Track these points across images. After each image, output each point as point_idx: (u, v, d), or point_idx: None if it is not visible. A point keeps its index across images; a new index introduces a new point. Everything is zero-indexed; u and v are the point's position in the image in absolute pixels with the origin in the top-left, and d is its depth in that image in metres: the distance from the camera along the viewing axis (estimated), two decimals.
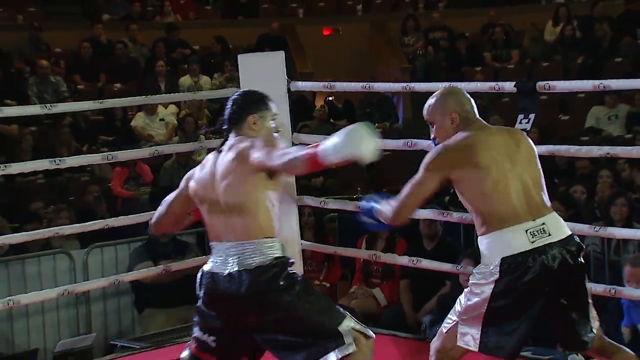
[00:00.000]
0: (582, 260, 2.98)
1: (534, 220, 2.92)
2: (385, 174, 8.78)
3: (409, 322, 5.32)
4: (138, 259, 5.56)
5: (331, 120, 9.62)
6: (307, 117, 9.26)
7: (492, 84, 4.28)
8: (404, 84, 4.91)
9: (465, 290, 3.04)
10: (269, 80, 4.63)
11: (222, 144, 3.02)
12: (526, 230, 2.91)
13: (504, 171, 2.94)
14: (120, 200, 7.59)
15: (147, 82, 9.41)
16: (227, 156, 2.93)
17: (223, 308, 2.90)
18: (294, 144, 4.70)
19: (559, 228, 2.96)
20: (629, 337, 4.00)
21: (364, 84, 4.75)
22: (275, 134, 3.01)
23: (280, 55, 4.74)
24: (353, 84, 5.01)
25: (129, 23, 10.86)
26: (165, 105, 8.87)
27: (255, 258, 2.84)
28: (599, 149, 4.02)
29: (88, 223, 4.56)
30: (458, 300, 3.05)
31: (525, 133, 3.26)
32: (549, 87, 3.92)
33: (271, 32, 10.91)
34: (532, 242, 2.90)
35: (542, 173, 3.06)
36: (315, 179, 8.18)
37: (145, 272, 4.96)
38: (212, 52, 10.68)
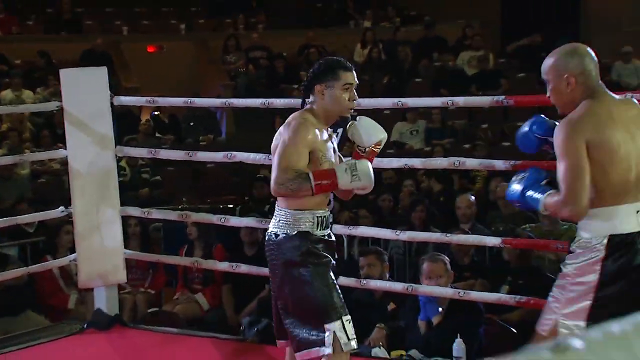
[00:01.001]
0: None
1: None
2: (209, 184, 8.77)
3: (231, 324, 5.32)
4: None
5: (157, 134, 9.48)
6: (134, 130, 9.09)
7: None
8: (224, 100, 4.93)
9: (560, 282, 2.71)
10: (92, 94, 4.52)
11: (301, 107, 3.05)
12: (637, 211, 2.63)
13: (625, 145, 2.64)
14: None
15: None
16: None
17: None
18: (117, 157, 4.61)
19: None
20: (424, 330, 4.16)
21: (186, 99, 4.73)
22: (347, 103, 2.99)
23: (103, 71, 4.62)
24: (175, 99, 4.98)
25: None
26: None
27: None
28: (398, 160, 4.20)
29: None
30: (551, 295, 2.74)
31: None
32: (356, 104, 4.04)
33: (95, 48, 10.62)
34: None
35: None
36: (142, 190, 8.04)
37: None
38: (36, 66, 10.28)
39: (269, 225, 3.03)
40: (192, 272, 5.58)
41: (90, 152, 4.47)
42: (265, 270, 4.33)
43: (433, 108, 9.33)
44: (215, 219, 4.48)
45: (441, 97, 5.83)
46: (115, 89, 4.76)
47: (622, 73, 10.57)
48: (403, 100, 4.00)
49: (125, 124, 8.45)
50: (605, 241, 2.60)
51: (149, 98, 4.98)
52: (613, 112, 2.67)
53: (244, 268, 4.37)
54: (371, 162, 3.04)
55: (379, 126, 3.12)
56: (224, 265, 4.56)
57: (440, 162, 4.26)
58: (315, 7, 13.46)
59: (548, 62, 2.81)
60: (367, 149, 3.09)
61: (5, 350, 4.35)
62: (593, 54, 2.78)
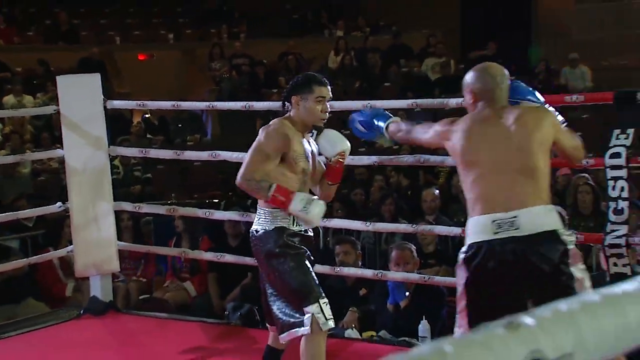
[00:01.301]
0: (555, 260, 2.49)
1: (506, 212, 2.48)
2: (196, 181, 8.72)
3: (216, 310, 5.29)
4: None
5: (147, 135, 9.43)
6: (126, 132, 9.03)
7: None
8: (209, 103, 4.90)
9: None
10: (87, 99, 4.48)
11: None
12: (492, 221, 2.50)
13: (489, 159, 2.54)
14: None
15: None
16: None
17: None
18: (111, 156, 4.57)
19: (535, 224, 2.48)
20: (393, 313, 4.16)
21: (174, 102, 4.70)
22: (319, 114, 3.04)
23: (96, 77, 4.58)
24: (164, 102, 4.94)
25: None
26: None
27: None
28: (368, 158, 4.20)
29: None
30: None
31: (544, 109, 2.75)
32: (329, 105, 4.03)
33: (91, 57, 10.53)
34: (495, 234, 2.49)
35: (544, 162, 2.55)
36: (134, 186, 7.98)
37: None
38: (36, 73, 10.18)
39: (253, 223, 3.06)
40: (180, 262, 5.55)
41: (85, 152, 4.43)
42: (247, 260, 4.32)
43: (399, 110, 9.33)
44: (200, 212, 4.45)
45: (405, 100, 5.83)
46: (109, 94, 4.72)
47: (570, 77, 10.65)
48: (372, 102, 3.99)
49: (119, 126, 8.39)
50: (466, 249, 2.57)
51: (139, 101, 4.94)
52: (489, 122, 2.60)
53: (228, 258, 4.35)
54: (340, 171, 3.16)
55: (343, 137, 3.16)
56: (209, 255, 4.53)
57: (407, 159, 4.26)
58: (292, 18, 13.44)
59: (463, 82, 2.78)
60: (332, 159, 3.13)
61: (8, 334, 4.30)
62: (500, 73, 2.70)
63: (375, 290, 4.36)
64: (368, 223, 4.20)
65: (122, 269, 5.00)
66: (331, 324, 2.92)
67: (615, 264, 3.26)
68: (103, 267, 4.53)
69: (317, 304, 2.87)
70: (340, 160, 3.14)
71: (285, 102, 3.08)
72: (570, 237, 2.57)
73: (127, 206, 4.68)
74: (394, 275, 4.02)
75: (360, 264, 4.61)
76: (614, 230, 3.26)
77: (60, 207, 4.54)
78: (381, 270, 4.03)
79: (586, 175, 6.08)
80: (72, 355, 3.96)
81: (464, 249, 2.59)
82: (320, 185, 3.21)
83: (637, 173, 6.67)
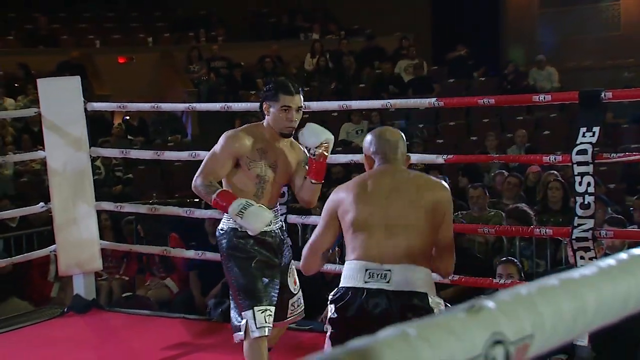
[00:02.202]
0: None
1: (381, 264, 2.42)
2: (176, 182, 8.69)
3: (198, 306, 5.29)
4: None
5: (128, 137, 9.37)
6: (107, 133, 8.98)
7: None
8: (188, 104, 4.90)
9: None
10: (67, 101, 4.46)
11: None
12: (366, 269, 2.42)
13: (372, 212, 2.46)
14: None
15: None
16: None
17: None
18: (92, 157, 4.56)
19: (407, 282, 2.42)
20: None
21: (153, 104, 4.68)
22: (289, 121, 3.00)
23: (76, 80, 4.56)
24: (143, 104, 4.93)
25: None
26: None
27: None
28: (344, 156, 4.22)
29: None
30: None
31: (437, 186, 2.56)
32: (306, 106, 4.05)
33: (71, 60, 10.44)
34: (366, 282, 2.41)
35: (430, 230, 2.45)
36: (115, 187, 7.94)
37: None
38: (16, 77, 10.08)
39: None
40: (155, 263, 5.56)
41: (66, 153, 4.41)
42: None
43: (374, 110, 9.39)
44: (182, 211, 4.45)
45: (380, 100, 5.87)
46: (89, 96, 4.69)
47: (537, 78, 10.76)
48: (347, 102, 4.03)
49: (99, 128, 8.34)
50: (335, 291, 2.50)
51: (119, 103, 4.93)
52: (376, 179, 2.51)
53: (208, 255, 4.35)
54: (323, 167, 3.05)
55: (324, 129, 3.09)
56: (190, 253, 4.53)
57: None
58: (268, 22, 13.43)
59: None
60: (316, 152, 3.01)
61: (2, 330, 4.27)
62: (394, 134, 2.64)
63: None
64: None
65: (104, 267, 4.98)
66: (262, 332, 2.85)
67: (582, 257, 3.31)
68: (86, 266, 4.51)
69: (251, 311, 2.86)
70: (325, 153, 3.03)
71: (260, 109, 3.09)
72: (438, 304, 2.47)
73: (109, 206, 4.67)
74: None
75: (338, 260, 4.63)
76: (580, 225, 3.31)
77: (42, 207, 4.51)
78: None
79: (555, 172, 6.15)
80: (56, 352, 3.94)
81: (332, 293, 2.51)
82: (302, 188, 3.12)
83: (603, 169, 6.79)
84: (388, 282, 2.40)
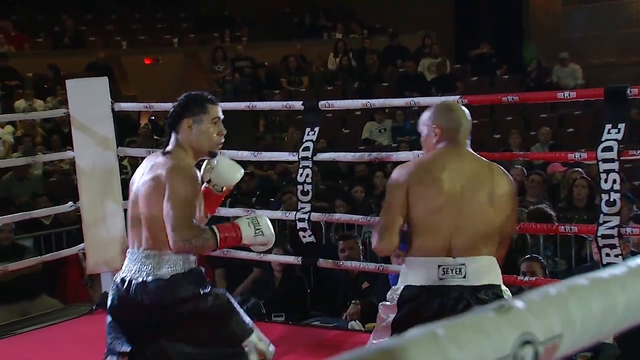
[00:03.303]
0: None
1: (454, 258, 2.33)
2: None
3: None
4: None
5: (154, 136, 9.43)
6: (133, 133, 9.04)
7: (285, 102, 4.37)
8: None
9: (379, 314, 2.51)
10: (95, 101, 4.49)
11: (166, 144, 2.50)
12: (439, 266, 2.33)
13: (448, 200, 2.34)
14: None
15: None
16: (149, 170, 2.43)
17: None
18: (119, 157, 4.58)
19: (481, 275, 2.34)
20: None
21: None
22: (214, 142, 2.51)
23: (104, 80, 4.59)
24: (169, 104, 4.93)
25: None
26: (2, 126, 8.43)
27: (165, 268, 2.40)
28: (369, 154, 4.21)
29: None
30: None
31: (507, 174, 2.50)
32: (329, 105, 4.05)
33: (98, 61, 10.54)
34: (441, 279, 2.32)
35: (500, 219, 2.37)
36: None
37: None
38: (45, 78, 10.19)
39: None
40: None
41: (94, 153, 4.44)
42: (253, 255, 4.34)
43: (398, 109, 9.35)
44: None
45: (403, 98, 5.84)
46: (116, 96, 4.72)
47: (561, 75, 10.65)
48: (371, 101, 4.01)
49: (126, 128, 8.40)
50: (401, 290, 2.37)
51: (146, 104, 4.95)
52: (452, 165, 2.39)
53: (233, 253, 4.36)
54: (220, 202, 2.71)
55: (238, 165, 2.71)
56: (216, 252, 4.54)
57: (405, 155, 4.27)
58: (292, 22, 13.44)
59: (422, 115, 2.56)
60: (223, 189, 2.68)
61: (23, 330, 4.32)
62: (466, 112, 2.51)
63: (377, 283, 4.37)
64: (369, 217, 4.21)
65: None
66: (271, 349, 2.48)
67: (607, 255, 3.27)
68: (113, 264, 4.53)
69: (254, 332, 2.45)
70: (229, 190, 2.72)
71: (173, 130, 2.50)
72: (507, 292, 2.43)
73: None
74: (395, 267, 4.03)
75: (362, 257, 4.62)
76: (606, 222, 3.26)
77: (71, 206, 4.55)
78: (382, 264, 4.04)
79: (580, 169, 6.08)
80: (84, 348, 3.97)
81: (397, 292, 2.40)
82: None
83: (628, 166, 6.70)
84: (464, 277, 2.31)
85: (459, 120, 2.47)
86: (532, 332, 0.61)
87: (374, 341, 2.49)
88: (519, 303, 0.63)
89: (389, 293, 2.48)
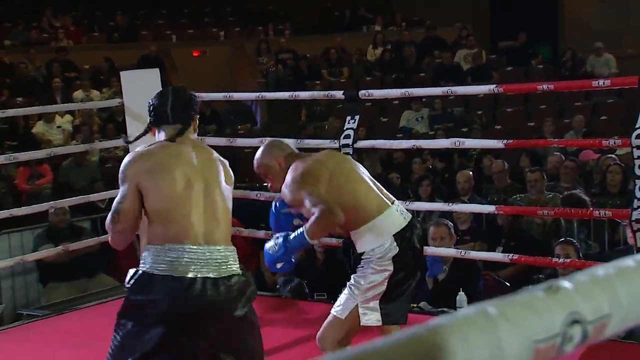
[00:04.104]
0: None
1: (393, 203, 2.67)
2: (246, 168, 8.78)
3: (268, 283, 5.33)
4: (41, 242, 5.32)
5: (202, 125, 9.50)
6: None
7: (326, 92, 4.36)
8: (258, 93, 4.92)
9: (359, 276, 2.60)
10: (147, 92, 4.49)
11: (179, 133, 2.33)
12: (397, 209, 2.65)
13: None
14: (24, 194, 7.25)
15: (45, 96, 9.02)
16: (206, 156, 2.32)
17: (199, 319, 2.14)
18: None
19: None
20: (431, 286, 4.14)
21: (226, 94, 4.73)
22: None
23: (156, 72, 4.63)
24: (216, 94, 4.98)
25: (28, 47, 10.35)
26: (62, 115, 8.59)
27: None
28: (407, 142, 4.18)
29: None
30: (349, 287, 2.63)
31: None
32: (369, 94, 4.02)
33: (150, 54, 10.64)
34: (404, 219, 2.64)
35: None
36: None
37: (47, 252, 4.75)
38: (101, 70, 10.34)
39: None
40: None
41: (147, 141, 4.48)
42: None
43: (435, 97, 9.26)
44: (252, 194, 4.48)
45: (440, 87, 5.78)
46: (166, 87, 4.76)
47: (595, 65, 10.42)
48: (410, 90, 3.98)
49: None
50: (392, 240, 2.57)
51: (195, 94, 4.98)
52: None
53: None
54: None
55: None
56: (261, 234, 4.56)
57: (442, 142, 4.23)
58: (332, 16, 13.40)
59: (257, 159, 2.77)
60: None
61: (83, 305, 4.41)
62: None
63: None
64: (407, 202, 4.18)
65: None
66: None
67: None
68: None
69: None
70: None
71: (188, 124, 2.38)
72: None
73: None
74: (433, 250, 4.00)
75: None
76: None
77: None
78: None
79: (613, 155, 5.96)
80: None
81: (387, 245, 2.59)
82: None
83: None
84: (407, 213, 2.72)
85: (287, 145, 2.83)
86: (581, 312, 0.59)
87: (361, 300, 2.58)
88: (567, 283, 0.62)
89: (373, 258, 2.57)
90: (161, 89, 2.45)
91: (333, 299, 4.36)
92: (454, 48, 11.14)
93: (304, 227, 2.53)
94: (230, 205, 2.26)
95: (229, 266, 2.16)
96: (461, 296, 3.82)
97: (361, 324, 2.59)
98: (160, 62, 9.98)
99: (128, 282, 2.21)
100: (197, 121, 2.42)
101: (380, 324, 2.59)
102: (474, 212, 4.84)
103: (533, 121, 9.43)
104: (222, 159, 2.38)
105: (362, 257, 2.62)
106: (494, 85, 3.79)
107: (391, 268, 2.56)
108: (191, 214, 2.17)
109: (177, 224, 2.16)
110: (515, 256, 3.74)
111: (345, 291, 2.64)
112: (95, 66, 10.56)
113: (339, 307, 2.64)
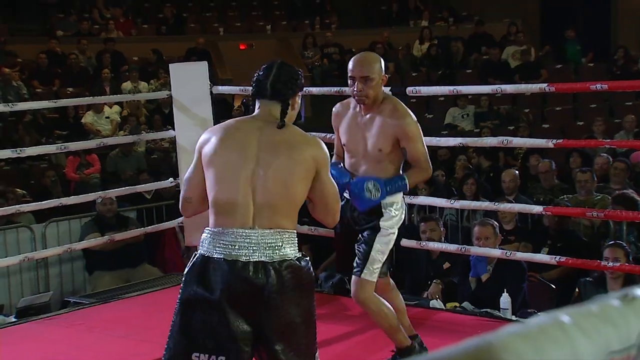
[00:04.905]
0: None
1: None
2: None
3: None
4: (88, 231, 5.41)
5: None
6: (227, 115, 9.18)
7: None
8: (304, 88, 4.90)
9: (383, 240, 2.87)
10: (195, 84, 4.57)
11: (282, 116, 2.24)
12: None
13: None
14: (73, 183, 7.39)
15: (94, 87, 9.17)
16: (276, 137, 2.21)
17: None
18: None
19: None
20: (474, 286, 4.09)
21: None
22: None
23: (204, 65, 4.66)
24: None
25: (80, 38, 10.54)
26: (110, 106, 8.70)
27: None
28: (454, 139, 4.12)
29: (45, 202, 4.40)
30: (377, 251, 2.86)
31: None
32: (416, 91, 3.98)
33: (197, 46, 10.74)
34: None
35: None
36: None
37: (93, 241, 4.83)
38: (149, 62, 10.45)
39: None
40: None
41: (193, 132, 4.51)
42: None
43: (482, 95, 9.13)
44: None
45: (489, 85, 5.68)
46: (213, 80, 4.79)
47: None
48: (458, 87, 3.92)
49: (221, 109, 8.54)
50: (403, 200, 2.96)
51: (242, 87, 5.00)
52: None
53: (321, 231, 4.37)
54: None
55: None
56: (304, 229, 4.56)
57: (490, 141, 4.16)
58: (379, 10, 13.31)
59: (375, 64, 2.91)
60: None
61: (127, 295, 4.47)
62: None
63: (458, 263, 4.29)
64: (452, 200, 4.14)
65: None
66: None
67: None
68: None
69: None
70: None
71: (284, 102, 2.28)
72: None
73: None
74: (477, 250, 3.94)
75: (443, 239, 4.55)
76: None
77: (171, 182, 4.66)
78: (464, 245, 3.96)
79: None
80: None
81: (399, 205, 2.96)
82: None
83: None
84: None
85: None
86: None
87: (382, 259, 2.90)
88: None
89: (392, 213, 2.89)
90: (267, 63, 2.37)
91: None
92: (502, 44, 10.97)
93: (405, 174, 2.86)
94: (291, 185, 2.15)
95: (281, 250, 2.14)
96: (505, 297, 3.76)
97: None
98: (207, 55, 10.06)
99: (187, 265, 2.22)
100: (298, 99, 2.33)
101: (386, 277, 2.99)
102: (520, 212, 4.76)
103: (582, 120, 9.23)
104: (313, 140, 2.25)
105: (383, 212, 2.88)
106: (546, 84, 3.72)
107: (397, 228, 2.92)
108: (243, 195, 2.14)
109: (231, 207, 2.15)
110: (563, 258, 3.66)
111: (372, 255, 2.88)
112: (143, 58, 10.69)
113: (369, 270, 2.89)
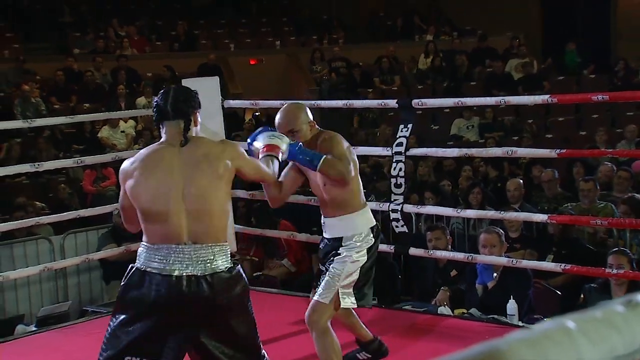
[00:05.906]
0: None
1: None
2: None
3: None
4: (104, 242, 5.44)
5: None
6: (238, 128, 9.21)
7: (379, 101, 4.34)
8: (312, 101, 4.92)
9: (339, 264, 2.78)
10: (207, 99, 4.55)
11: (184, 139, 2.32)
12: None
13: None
14: (90, 196, 7.42)
15: (110, 102, 9.23)
16: (196, 153, 2.32)
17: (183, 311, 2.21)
18: None
19: None
20: (481, 293, 4.08)
21: (281, 101, 4.74)
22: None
23: (215, 80, 4.70)
24: (272, 101, 5.00)
25: (95, 56, 10.63)
26: (126, 120, 8.77)
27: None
28: (459, 150, 4.12)
29: (63, 214, 4.43)
30: (330, 276, 2.79)
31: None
32: (422, 103, 3.99)
33: (209, 62, 10.79)
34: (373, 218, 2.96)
35: None
36: None
37: (110, 252, 4.85)
38: (163, 77, 10.50)
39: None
40: (281, 245, 5.60)
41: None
42: None
43: (487, 106, 9.13)
44: (303, 199, 4.49)
45: (493, 97, 5.68)
46: (224, 94, 4.82)
47: None
48: (463, 99, 3.93)
49: (232, 123, 8.57)
50: (369, 232, 2.85)
51: (252, 101, 5.03)
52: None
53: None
54: None
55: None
56: (313, 238, 4.56)
57: (495, 151, 4.16)
58: (385, 25, 13.36)
59: (298, 117, 2.91)
60: None
61: None
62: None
63: (465, 271, 4.28)
64: (458, 209, 4.13)
65: (238, 249, 5.10)
66: None
67: None
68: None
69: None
70: None
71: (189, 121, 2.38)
72: None
73: (243, 194, 4.78)
74: (484, 258, 3.93)
75: (450, 247, 4.54)
76: None
77: None
78: (471, 253, 3.95)
79: None
80: None
81: (366, 236, 2.87)
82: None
83: None
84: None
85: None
86: None
87: (342, 285, 2.78)
88: None
89: (355, 244, 2.82)
90: (162, 90, 2.44)
91: (383, 303, 4.34)
92: (505, 57, 10.97)
93: (325, 155, 2.76)
94: (219, 199, 2.26)
95: (213, 263, 2.21)
96: (512, 304, 3.75)
97: (341, 306, 2.78)
98: (218, 70, 10.11)
99: (124, 278, 2.30)
100: (198, 116, 2.43)
101: (355, 306, 2.83)
102: (525, 221, 4.74)
103: (585, 130, 9.20)
104: (224, 145, 2.39)
105: (342, 244, 2.83)
106: (548, 96, 3.71)
107: (364, 259, 2.81)
108: (176, 215, 2.22)
109: (164, 224, 2.22)
110: (568, 266, 3.65)
111: (326, 279, 2.81)
112: (157, 74, 10.76)
113: (323, 293, 2.80)
